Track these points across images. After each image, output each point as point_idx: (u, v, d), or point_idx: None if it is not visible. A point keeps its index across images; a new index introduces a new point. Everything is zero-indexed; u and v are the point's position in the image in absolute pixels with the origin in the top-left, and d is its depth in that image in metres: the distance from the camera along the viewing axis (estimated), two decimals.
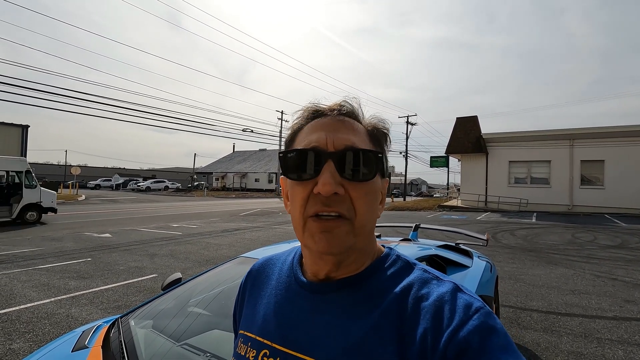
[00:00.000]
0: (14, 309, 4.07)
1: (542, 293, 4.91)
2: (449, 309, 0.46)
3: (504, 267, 6.47)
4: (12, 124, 26.86)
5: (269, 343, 0.55)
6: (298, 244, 0.61)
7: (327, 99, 0.60)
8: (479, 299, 0.48)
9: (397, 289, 0.51)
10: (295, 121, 0.59)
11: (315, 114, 0.57)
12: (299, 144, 0.55)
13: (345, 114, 0.56)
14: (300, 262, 0.62)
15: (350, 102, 0.58)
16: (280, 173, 0.59)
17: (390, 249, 0.60)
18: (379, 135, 0.58)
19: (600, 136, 19.42)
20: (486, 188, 22.30)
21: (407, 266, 0.56)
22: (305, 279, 0.58)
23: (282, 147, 0.59)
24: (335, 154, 0.51)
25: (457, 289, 0.49)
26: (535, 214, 18.06)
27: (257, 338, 0.57)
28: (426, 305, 0.48)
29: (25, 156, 27.37)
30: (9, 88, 12.49)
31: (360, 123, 0.57)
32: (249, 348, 0.57)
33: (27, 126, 27.57)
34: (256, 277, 0.68)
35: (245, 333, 0.60)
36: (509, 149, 21.85)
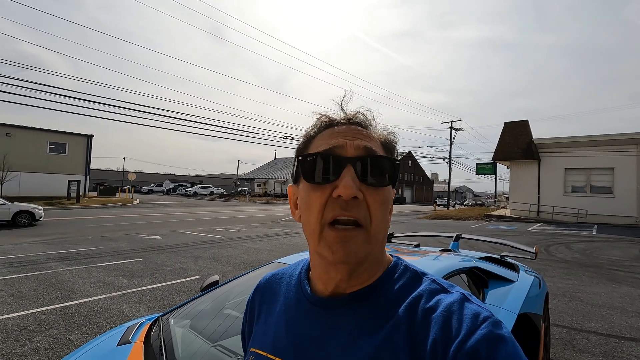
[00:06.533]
0: (74, 302, 4.46)
1: (602, 313, 4.46)
2: (457, 319, 0.46)
3: (557, 283, 5.98)
4: (79, 134, 29.68)
5: None
6: None
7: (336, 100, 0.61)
8: (487, 308, 0.48)
9: (407, 301, 0.51)
10: (310, 129, 0.60)
11: (329, 123, 0.58)
12: (314, 150, 0.55)
13: (358, 124, 0.57)
14: (308, 275, 0.62)
15: (363, 113, 0.59)
16: (291, 179, 0.60)
17: (398, 258, 0.59)
18: (390, 147, 0.59)
19: None
20: (538, 197, 20.84)
21: (416, 277, 0.55)
22: (314, 294, 0.57)
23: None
24: (355, 159, 0.51)
25: (465, 299, 0.49)
26: (596, 226, 16.54)
27: (270, 357, 0.56)
28: (435, 316, 0.48)
29: (89, 163, 30.14)
30: (75, 101, 13.87)
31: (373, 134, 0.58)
32: None
33: (92, 136, 30.34)
34: (264, 293, 0.67)
35: (257, 351, 0.59)
36: (565, 155, 20.27)
